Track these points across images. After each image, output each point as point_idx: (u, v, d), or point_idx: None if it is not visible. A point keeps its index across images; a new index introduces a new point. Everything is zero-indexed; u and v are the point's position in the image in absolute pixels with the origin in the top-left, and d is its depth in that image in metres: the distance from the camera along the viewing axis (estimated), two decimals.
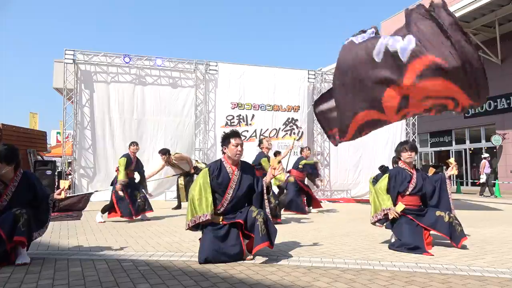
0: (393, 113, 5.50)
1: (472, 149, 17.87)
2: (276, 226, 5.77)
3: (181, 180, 8.22)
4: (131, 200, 6.24)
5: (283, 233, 5.09)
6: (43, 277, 2.88)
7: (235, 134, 3.72)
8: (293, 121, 11.63)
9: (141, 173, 6.94)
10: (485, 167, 13.69)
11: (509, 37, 15.70)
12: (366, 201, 10.70)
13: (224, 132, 3.83)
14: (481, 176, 13.95)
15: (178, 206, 8.11)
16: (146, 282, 2.76)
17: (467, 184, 17.68)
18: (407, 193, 4.23)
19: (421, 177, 4.32)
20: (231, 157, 3.67)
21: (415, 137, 13.14)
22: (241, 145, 3.68)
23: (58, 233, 4.94)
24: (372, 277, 2.95)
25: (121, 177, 6.23)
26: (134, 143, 6.81)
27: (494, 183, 13.84)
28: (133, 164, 6.62)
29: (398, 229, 4.15)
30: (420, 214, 4.17)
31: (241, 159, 3.79)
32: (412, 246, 3.91)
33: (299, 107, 11.67)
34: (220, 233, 3.47)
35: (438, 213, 4.12)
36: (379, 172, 5.48)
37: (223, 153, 3.75)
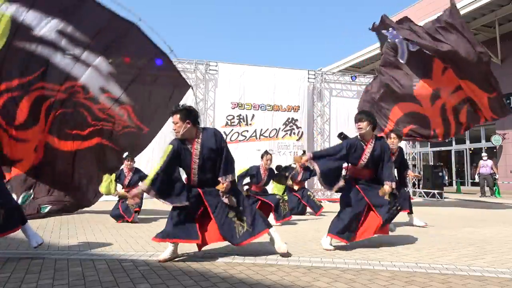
0: (428, 102, 7.18)
1: (472, 149, 17.87)
2: (276, 227, 5.79)
3: None
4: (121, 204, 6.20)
5: (283, 233, 5.09)
6: (43, 277, 2.88)
7: (172, 112, 3.53)
8: (293, 121, 11.63)
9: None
10: (480, 167, 13.78)
11: (509, 37, 15.69)
12: None
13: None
14: (475, 176, 14.13)
15: None
16: (146, 282, 2.76)
17: (467, 184, 17.69)
18: (358, 166, 4.14)
19: (379, 149, 4.09)
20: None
21: None
22: (175, 123, 3.49)
23: (58, 233, 4.94)
24: (372, 277, 2.95)
25: (102, 189, 5.93)
26: (127, 157, 6.48)
27: (494, 184, 13.84)
28: (126, 179, 6.44)
29: (344, 200, 4.13)
30: (369, 187, 4.09)
31: (209, 128, 3.71)
32: (345, 226, 3.95)
33: (299, 107, 11.68)
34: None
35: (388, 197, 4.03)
36: None
37: None
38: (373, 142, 4.11)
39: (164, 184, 3.41)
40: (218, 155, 3.54)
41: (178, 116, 3.48)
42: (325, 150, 4.25)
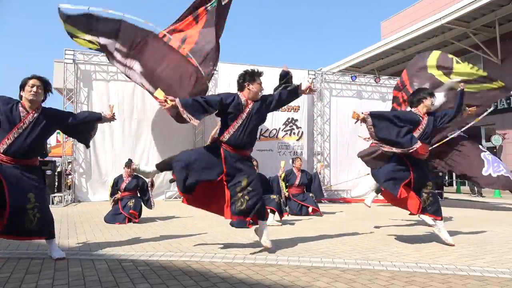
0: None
1: None
2: (277, 227, 5.78)
3: None
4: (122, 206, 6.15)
5: (283, 233, 5.09)
6: (43, 277, 2.88)
7: (261, 74, 3.90)
8: (293, 121, 11.62)
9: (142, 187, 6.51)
10: None
11: (509, 37, 15.69)
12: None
13: (250, 69, 3.94)
14: None
15: None
16: (146, 282, 2.76)
17: (467, 184, 17.65)
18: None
19: (432, 123, 4.36)
20: (252, 94, 3.82)
21: None
22: (261, 84, 3.90)
23: (58, 233, 4.93)
24: (372, 277, 2.95)
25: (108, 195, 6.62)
26: (127, 164, 6.51)
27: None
28: (124, 183, 6.41)
29: (386, 164, 4.38)
30: (419, 169, 4.25)
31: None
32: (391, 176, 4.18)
33: (299, 107, 11.66)
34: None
35: (428, 183, 4.27)
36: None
37: (242, 89, 3.86)
38: (426, 117, 4.37)
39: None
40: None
41: (261, 79, 3.90)
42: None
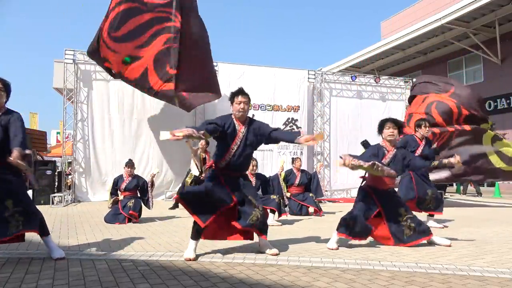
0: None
1: None
2: (277, 227, 5.78)
3: (189, 179, 7.91)
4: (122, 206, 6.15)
5: (283, 233, 5.09)
6: (43, 277, 2.88)
7: (240, 92, 3.75)
8: (293, 121, 11.62)
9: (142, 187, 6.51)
10: None
11: (509, 37, 15.70)
12: None
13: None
14: None
15: (175, 206, 7.94)
16: (146, 282, 2.76)
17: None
18: None
19: (400, 157, 4.21)
20: (235, 114, 3.75)
21: None
22: (245, 103, 3.71)
23: (58, 233, 4.94)
24: (372, 277, 2.95)
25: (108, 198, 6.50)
26: (127, 164, 6.52)
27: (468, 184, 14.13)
28: (124, 183, 6.39)
29: (356, 201, 4.25)
30: (388, 200, 4.17)
31: (254, 120, 3.87)
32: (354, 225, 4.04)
33: (299, 107, 11.67)
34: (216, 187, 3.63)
35: (401, 210, 4.17)
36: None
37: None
38: (394, 150, 4.25)
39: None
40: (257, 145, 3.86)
41: (247, 97, 3.75)
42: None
